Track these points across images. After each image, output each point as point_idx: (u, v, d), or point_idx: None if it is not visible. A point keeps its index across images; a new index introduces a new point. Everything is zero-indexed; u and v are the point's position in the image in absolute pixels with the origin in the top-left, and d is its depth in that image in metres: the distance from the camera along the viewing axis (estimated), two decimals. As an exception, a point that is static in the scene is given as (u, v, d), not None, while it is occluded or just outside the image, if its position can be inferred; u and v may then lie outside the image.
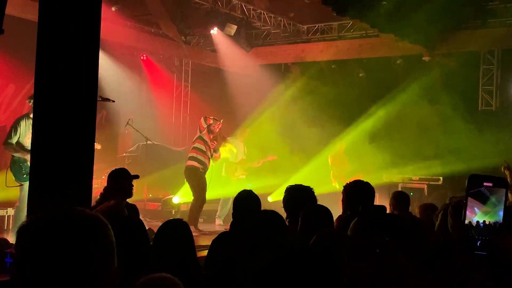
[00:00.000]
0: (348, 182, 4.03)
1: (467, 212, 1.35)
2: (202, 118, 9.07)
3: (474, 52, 11.17)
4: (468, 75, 11.27)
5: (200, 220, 10.87)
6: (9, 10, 3.96)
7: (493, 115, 11.24)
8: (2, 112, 10.04)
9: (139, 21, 11.55)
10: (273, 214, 3.11)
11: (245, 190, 4.26)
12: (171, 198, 10.76)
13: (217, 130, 9.02)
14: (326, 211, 3.59)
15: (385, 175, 12.37)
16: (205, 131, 8.93)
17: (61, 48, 3.89)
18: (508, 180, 5.78)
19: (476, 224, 1.32)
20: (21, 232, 1.31)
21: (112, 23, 10.29)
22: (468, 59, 11.22)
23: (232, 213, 4.09)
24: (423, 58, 11.02)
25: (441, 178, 11.80)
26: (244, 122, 11.17)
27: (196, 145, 8.98)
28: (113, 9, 10.01)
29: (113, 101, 6.94)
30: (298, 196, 3.94)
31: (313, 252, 1.72)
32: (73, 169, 3.93)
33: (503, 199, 1.34)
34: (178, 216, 10.67)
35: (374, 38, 10.88)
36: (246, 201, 4.03)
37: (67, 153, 3.90)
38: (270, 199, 10.74)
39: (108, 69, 11.20)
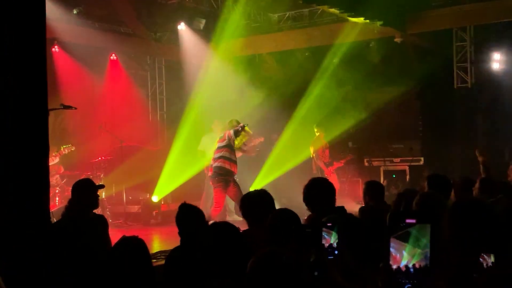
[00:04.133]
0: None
1: (396, 255, 1.21)
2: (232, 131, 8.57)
3: (446, 30, 11.08)
4: (442, 53, 11.20)
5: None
6: None
7: (469, 91, 11.18)
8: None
9: (106, 21, 11.32)
10: (225, 226, 2.98)
11: (184, 204, 4.11)
12: (151, 198, 10.64)
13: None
14: (293, 215, 3.46)
15: (366, 159, 12.36)
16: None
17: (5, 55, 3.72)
18: (481, 169, 5.66)
19: (406, 269, 1.19)
20: None
21: (76, 26, 10.08)
22: (440, 37, 11.15)
23: (178, 232, 3.96)
24: (395, 40, 10.93)
25: (422, 158, 11.77)
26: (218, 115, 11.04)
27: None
28: (74, 11, 9.78)
29: (75, 108, 6.77)
30: (257, 202, 3.86)
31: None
32: (26, 183, 3.78)
33: (428, 236, 1.21)
34: (159, 218, 10.59)
35: (344, 22, 10.74)
36: (188, 216, 3.92)
37: (18, 167, 3.75)
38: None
39: (76, 72, 11.01)
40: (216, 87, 12.01)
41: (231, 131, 8.49)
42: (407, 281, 1.20)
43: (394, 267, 1.21)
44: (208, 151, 9.77)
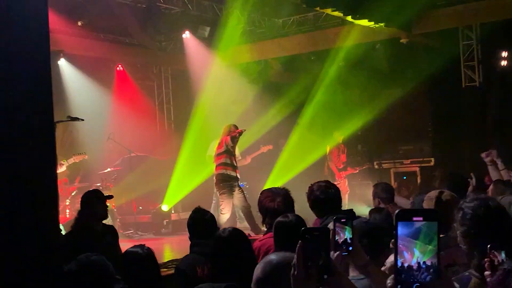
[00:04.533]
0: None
1: (407, 253, 1.18)
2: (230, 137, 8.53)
3: (452, 29, 11.02)
4: (449, 53, 11.12)
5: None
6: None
7: (478, 90, 11.09)
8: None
9: (111, 33, 11.36)
10: (233, 233, 2.96)
11: (198, 208, 4.10)
12: (161, 207, 10.63)
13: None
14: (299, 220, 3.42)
15: (375, 162, 12.29)
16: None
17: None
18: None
19: (417, 267, 1.16)
20: None
21: (81, 38, 10.11)
22: (447, 36, 11.08)
23: (189, 237, 3.96)
24: (401, 41, 10.88)
25: (432, 159, 11.69)
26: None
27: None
28: (79, 23, 9.80)
29: (82, 120, 6.77)
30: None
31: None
32: (35, 195, 3.76)
33: (436, 234, 1.18)
34: (170, 227, 10.57)
35: (349, 25, 10.70)
36: (200, 221, 3.91)
37: (25, 180, 3.73)
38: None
39: (82, 83, 11.04)
40: (221, 93, 12.02)
41: (228, 138, 8.47)
42: (419, 279, 1.17)
43: (406, 265, 1.18)
44: None
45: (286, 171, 11.41)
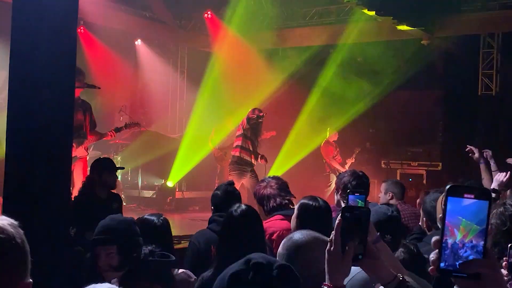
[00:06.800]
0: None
1: (452, 230, 1.17)
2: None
3: (474, 36, 10.95)
4: (468, 59, 11.06)
5: (196, 207, 10.79)
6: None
7: (493, 99, 11.04)
8: None
9: (132, 6, 11.32)
10: (247, 209, 2.97)
11: (223, 184, 4.12)
12: (166, 183, 10.66)
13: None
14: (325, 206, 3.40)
15: (383, 161, 12.26)
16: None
17: (36, 33, 3.71)
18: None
19: (462, 245, 1.15)
20: None
21: (103, 8, 10.08)
22: (467, 42, 11.02)
23: (211, 207, 3.95)
24: (422, 42, 10.83)
25: (440, 163, 11.66)
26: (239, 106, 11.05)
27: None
28: (102, -7, 9.80)
29: (99, 88, 6.76)
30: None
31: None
32: (51, 162, 3.78)
33: (486, 214, 1.16)
34: (173, 204, 10.61)
35: (372, 22, 10.65)
36: (223, 195, 3.89)
37: (43, 145, 3.74)
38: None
39: (101, 54, 11.02)
40: (235, 76, 11.99)
41: (245, 119, 8.32)
42: (463, 257, 1.16)
43: (450, 241, 1.17)
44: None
45: (290, 158, 11.40)
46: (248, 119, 8.25)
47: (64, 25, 3.83)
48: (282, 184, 4.29)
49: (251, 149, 8.34)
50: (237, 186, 8.39)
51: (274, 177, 4.44)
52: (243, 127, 8.32)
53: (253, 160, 8.39)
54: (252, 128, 8.29)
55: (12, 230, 1.25)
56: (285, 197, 4.19)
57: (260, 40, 12.05)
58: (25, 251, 1.27)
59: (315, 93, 12.20)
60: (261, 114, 8.25)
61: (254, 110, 8.39)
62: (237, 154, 8.29)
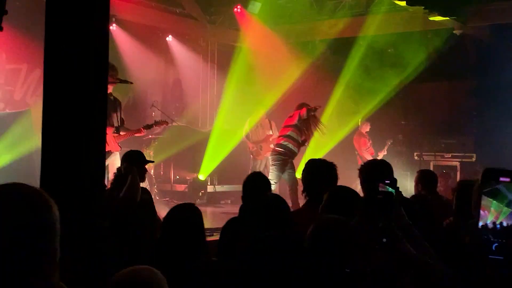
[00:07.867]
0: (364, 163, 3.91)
1: (481, 211, 1.18)
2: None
3: (507, 24, 10.74)
4: (501, 48, 10.86)
5: (228, 201, 10.87)
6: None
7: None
8: (29, 96, 10.10)
9: (163, 2, 11.43)
10: (274, 199, 3.00)
11: (254, 172, 4.15)
12: (198, 176, 10.77)
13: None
14: (354, 194, 3.42)
15: (416, 153, 12.15)
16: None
17: (70, 29, 3.80)
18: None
19: (492, 226, 1.16)
20: None
21: (133, 4, 10.21)
22: (500, 31, 10.81)
23: (242, 196, 3.99)
24: (454, 32, 10.67)
25: (474, 155, 11.49)
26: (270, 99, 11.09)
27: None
28: (132, -10, 9.92)
29: (131, 83, 6.88)
30: (320, 173, 3.84)
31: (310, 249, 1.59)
32: (86, 157, 3.87)
33: None
34: (205, 198, 10.71)
35: (402, 12, 10.54)
36: (254, 184, 3.92)
37: (78, 140, 3.84)
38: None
39: (133, 50, 11.16)
40: (265, 70, 12.01)
41: (304, 109, 8.11)
42: (495, 239, 1.17)
43: (481, 223, 1.18)
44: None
45: (319, 149, 11.36)
46: (308, 110, 8.10)
47: (96, 22, 3.92)
48: (331, 170, 4.24)
49: (300, 141, 8.27)
50: (278, 176, 8.33)
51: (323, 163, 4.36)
52: (300, 116, 8.14)
53: (297, 151, 8.32)
54: (304, 121, 8.19)
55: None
56: None
57: (290, 33, 12.04)
58: None
59: (344, 84, 12.14)
60: (317, 107, 8.26)
61: (314, 109, 8.27)
62: (285, 143, 8.17)
